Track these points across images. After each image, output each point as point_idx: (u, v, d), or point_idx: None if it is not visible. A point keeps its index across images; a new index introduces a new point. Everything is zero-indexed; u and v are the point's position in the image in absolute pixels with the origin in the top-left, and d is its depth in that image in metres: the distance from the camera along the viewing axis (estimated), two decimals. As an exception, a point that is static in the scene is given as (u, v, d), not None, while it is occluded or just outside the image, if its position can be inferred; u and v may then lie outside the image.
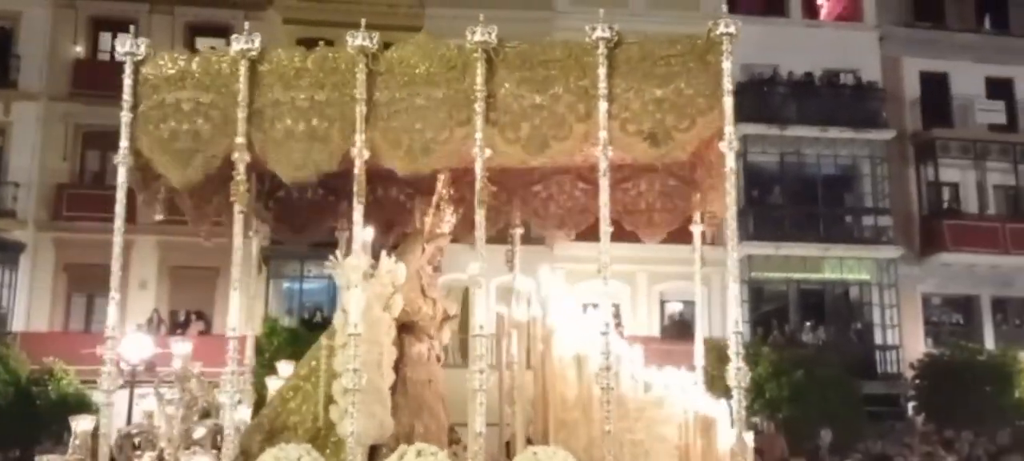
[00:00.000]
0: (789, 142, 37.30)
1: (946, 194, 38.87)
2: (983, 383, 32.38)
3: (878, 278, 37.35)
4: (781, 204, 37.29)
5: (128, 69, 9.75)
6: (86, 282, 33.87)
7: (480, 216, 9.11)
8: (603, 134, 9.03)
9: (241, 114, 9.35)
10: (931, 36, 39.49)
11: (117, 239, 9.46)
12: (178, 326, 33.05)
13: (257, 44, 9.53)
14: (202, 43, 33.41)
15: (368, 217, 9.43)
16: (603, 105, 9.07)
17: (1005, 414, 31.44)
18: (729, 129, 8.95)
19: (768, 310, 36.37)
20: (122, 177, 9.62)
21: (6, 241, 34.37)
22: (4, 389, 29.05)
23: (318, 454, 8.91)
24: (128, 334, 25.32)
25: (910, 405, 34.78)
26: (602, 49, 9.19)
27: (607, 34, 9.19)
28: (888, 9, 39.74)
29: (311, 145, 9.39)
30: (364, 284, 9.18)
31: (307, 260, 33.03)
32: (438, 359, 10.83)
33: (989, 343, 36.56)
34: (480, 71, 9.21)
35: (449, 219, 10.88)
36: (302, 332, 30.30)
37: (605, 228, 9.10)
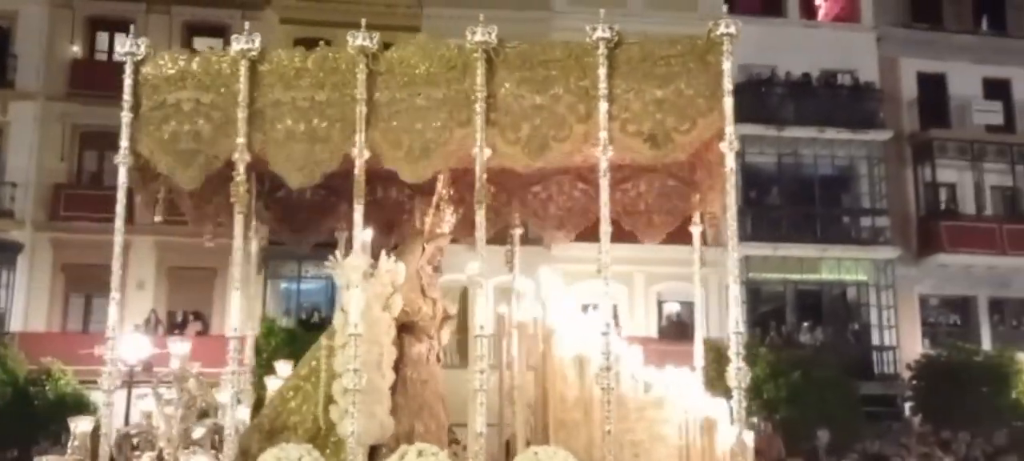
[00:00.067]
0: (786, 143, 37.31)
1: (943, 195, 38.87)
2: (980, 384, 32.41)
3: (875, 279, 37.36)
4: (778, 205, 37.30)
5: (128, 69, 9.71)
6: (84, 282, 33.87)
7: (480, 216, 9.10)
8: (603, 135, 9.02)
9: (241, 114, 9.34)
10: (929, 37, 39.52)
11: (118, 239, 9.46)
12: (176, 326, 33.03)
13: (257, 44, 9.52)
14: (199, 43, 33.39)
15: (368, 217, 9.41)
16: (603, 105, 9.06)
17: (1002, 415, 31.49)
18: (729, 129, 8.94)
19: (765, 311, 36.40)
20: (122, 177, 9.62)
21: (3, 241, 34.30)
22: (2, 389, 29.03)
23: (318, 454, 8.91)
24: (126, 334, 25.28)
25: (907, 406, 34.80)
26: (602, 49, 9.18)
27: (607, 34, 9.19)
28: (886, 10, 39.76)
29: (312, 146, 9.37)
30: (364, 284, 9.18)
31: (305, 261, 33.02)
32: (438, 359, 10.83)
33: (986, 344, 36.60)
34: (480, 71, 9.20)
35: (449, 219, 10.88)
36: (300, 332, 30.32)
37: (605, 228, 9.08)
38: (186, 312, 34.16)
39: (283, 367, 11.25)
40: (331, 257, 9.86)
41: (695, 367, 10.83)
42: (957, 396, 31.26)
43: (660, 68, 9.26)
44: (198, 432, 9.55)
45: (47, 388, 29.24)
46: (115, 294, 9.34)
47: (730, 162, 8.98)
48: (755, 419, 25.69)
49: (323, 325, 31.15)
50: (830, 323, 37.35)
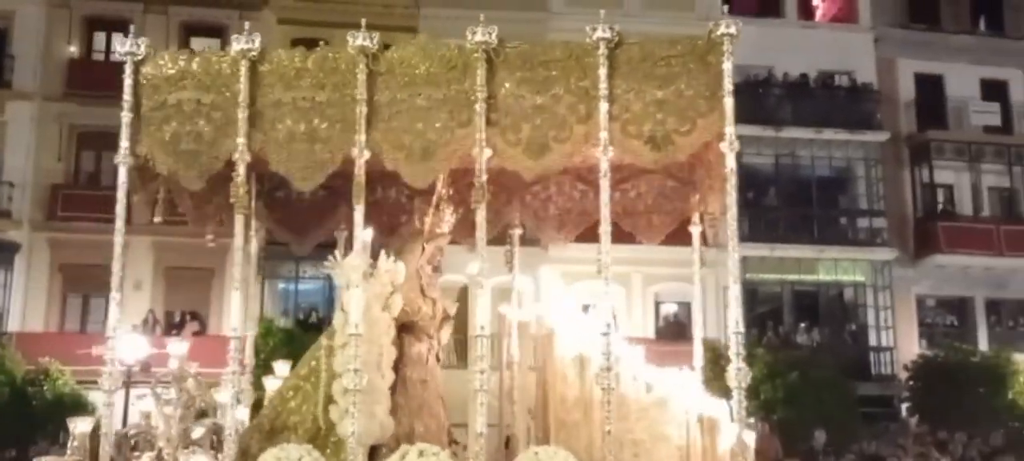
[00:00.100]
0: (784, 144, 37.30)
1: (941, 196, 38.88)
2: (977, 385, 32.43)
3: (872, 280, 37.39)
4: (776, 206, 37.28)
5: (128, 69, 9.68)
6: (81, 282, 33.89)
7: (481, 216, 9.10)
8: (604, 135, 9.02)
9: (242, 115, 9.33)
10: (926, 38, 39.54)
11: (118, 239, 9.44)
12: (173, 327, 33.01)
13: (257, 44, 9.50)
14: (197, 43, 33.23)
15: (368, 218, 9.41)
16: (604, 106, 9.06)
17: (998, 415, 31.56)
18: (730, 130, 8.94)
19: (763, 312, 36.39)
20: (122, 177, 9.60)
21: (1, 241, 34.25)
22: (0, 390, 28.99)
23: (319, 454, 8.91)
24: (123, 335, 25.24)
25: (904, 406, 34.79)
26: (602, 50, 9.18)
27: (608, 34, 9.18)
28: (883, 11, 39.77)
29: (313, 146, 9.36)
30: (363, 284, 9.18)
31: (302, 261, 32.94)
32: (438, 359, 10.83)
33: (983, 345, 36.60)
34: (481, 72, 9.20)
35: (448, 219, 10.88)
36: (297, 333, 30.34)
37: (606, 229, 9.09)
38: (183, 312, 34.12)
39: (282, 367, 11.25)
40: (331, 257, 9.87)
41: (694, 367, 10.84)
42: (954, 397, 31.29)
43: (660, 68, 9.25)
44: (198, 432, 9.55)
45: (45, 388, 29.23)
46: (115, 294, 9.33)
47: (731, 162, 8.98)
48: (752, 419, 25.66)
49: (320, 325, 31.28)
50: (827, 324, 37.37)
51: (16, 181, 34.90)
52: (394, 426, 9.62)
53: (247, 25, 9.78)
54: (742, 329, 8.80)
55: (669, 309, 36.37)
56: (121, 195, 9.58)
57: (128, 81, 9.67)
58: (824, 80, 38.84)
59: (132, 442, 9.76)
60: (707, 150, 9.69)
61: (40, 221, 34.81)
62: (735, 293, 8.90)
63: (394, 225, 11.65)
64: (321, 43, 10.12)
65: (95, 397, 26.43)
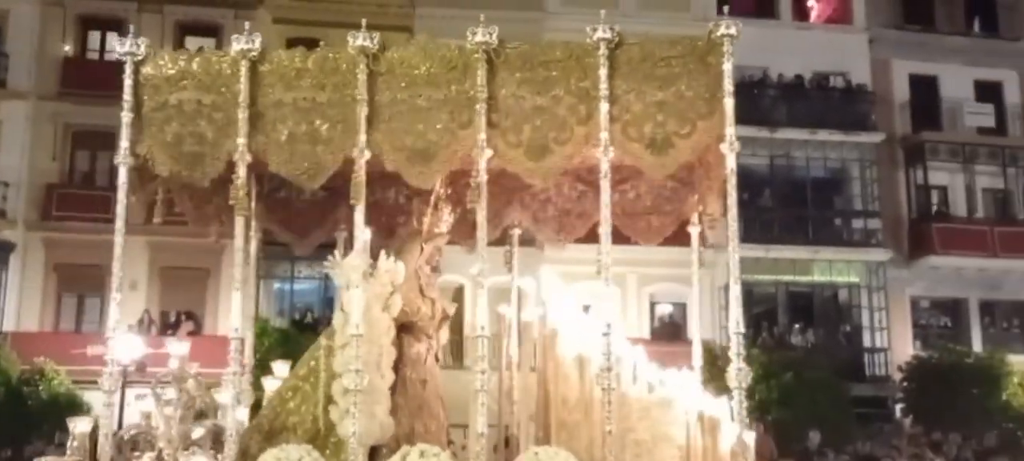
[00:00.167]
0: (779, 145, 37.34)
1: (935, 197, 38.97)
2: (971, 386, 32.49)
3: (867, 281, 37.47)
4: (770, 207, 37.32)
5: (128, 69, 9.62)
6: (76, 282, 33.94)
7: (481, 217, 9.10)
8: (604, 136, 9.02)
9: (242, 115, 9.31)
10: (920, 39, 39.62)
11: (118, 240, 9.41)
12: (168, 327, 33.00)
13: (257, 44, 9.48)
14: (192, 42, 33.28)
15: (367, 218, 9.40)
16: (604, 106, 9.06)
17: (992, 416, 31.58)
18: (730, 130, 8.96)
19: (757, 312, 36.38)
20: (122, 177, 9.55)
21: (-4, 241, 34.31)
22: (-5, 390, 29.01)
23: (319, 455, 8.90)
24: (119, 334, 25.20)
25: (898, 407, 34.86)
26: (603, 50, 9.18)
27: (608, 35, 9.19)
28: (878, 12, 39.86)
29: (314, 147, 9.34)
30: (363, 284, 9.18)
31: (298, 261, 32.97)
32: (437, 359, 10.83)
33: (977, 346, 36.70)
34: (481, 72, 9.19)
35: (447, 219, 10.87)
36: (293, 333, 30.35)
37: (606, 229, 9.09)
38: (179, 312, 34.11)
39: (281, 367, 11.23)
40: (330, 257, 9.86)
41: (693, 367, 10.83)
42: (948, 398, 31.33)
43: (660, 69, 9.24)
44: (198, 433, 9.53)
45: (40, 388, 29.20)
46: (116, 295, 9.31)
47: (731, 163, 9.01)
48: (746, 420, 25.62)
49: (316, 325, 31.33)
50: (822, 325, 37.45)
51: (11, 180, 34.89)
52: (394, 427, 9.61)
53: (247, 25, 9.75)
54: (743, 329, 8.82)
55: (664, 310, 36.42)
56: (121, 195, 9.55)
57: (128, 81, 9.60)
58: (819, 81, 38.91)
59: (132, 442, 9.73)
60: (706, 151, 9.70)
61: (35, 221, 34.78)
62: (735, 293, 8.93)
63: (393, 225, 11.62)
64: (321, 43, 10.12)
65: (90, 397, 26.48)
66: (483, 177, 9.04)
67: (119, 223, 9.48)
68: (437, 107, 9.32)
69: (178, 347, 10.00)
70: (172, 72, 9.67)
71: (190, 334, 30.15)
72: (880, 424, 32.91)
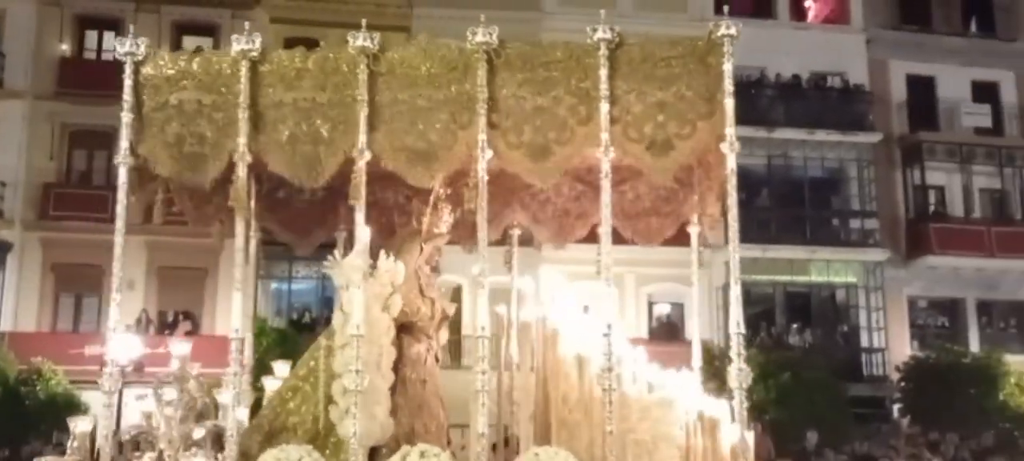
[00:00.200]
0: (776, 145, 37.34)
1: (932, 197, 39.03)
2: (968, 386, 32.51)
3: (864, 281, 37.50)
4: (768, 207, 37.31)
5: (128, 69, 9.60)
6: (73, 282, 33.92)
7: (482, 217, 9.10)
8: (605, 136, 9.02)
9: (242, 115, 9.30)
10: (918, 39, 39.65)
11: (118, 240, 9.39)
12: (166, 326, 32.99)
13: (258, 44, 9.47)
14: (189, 42, 33.36)
15: (367, 218, 9.39)
16: (604, 106, 9.06)
17: (989, 416, 31.58)
18: (730, 130, 8.98)
19: (755, 313, 36.38)
20: (123, 178, 9.54)
21: (-7, 241, 34.27)
22: (-7, 389, 28.98)
23: (319, 455, 8.90)
24: (117, 334, 25.16)
25: (896, 407, 34.87)
26: (603, 50, 9.18)
27: (608, 35, 9.19)
28: (875, 12, 39.89)
29: (315, 148, 9.34)
30: (363, 284, 9.17)
31: (295, 261, 32.98)
32: (437, 359, 10.82)
33: (974, 346, 36.72)
34: (482, 73, 9.19)
35: (446, 219, 10.86)
36: (291, 333, 30.37)
37: (606, 229, 9.10)
38: (176, 312, 34.09)
39: (281, 367, 11.23)
40: (330, 257, 9.86)
41: (693, 367, 10.83)
42: (945, 398, 31.35)
43: (661, 69, 9.25)
44: (198, 433, 9.53)
45: (38, 388, 29.16)
46: (116, 295, 9.30)
47: (731, 163, 9.02)
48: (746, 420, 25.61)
49: (314, 325, 31.30)
50: (819, 325, 37.47)
51: (8, 180, 34.85)
52: (394, 427, 9.61)
53: (247, 25, 9.74)
54: (743, 329, 8.84)
55: (662, 310, 36.45)
56: (121, 196, 9.52)
57: (128, 81, 9.58)
58: (816, 81, 38.93)
59: (134, 443, 9.72)
60: (706, 151, 9.70)
61: (32, 220, 34.73)
62: (736, 293, 8.95)
63: (393, 225, 11.61)
64: (320, 43, 10.11)
65: (88, 397, 26.46)
66: (483, 177, 9.04)
67: (119, 223, 9.46)
68: (437, 107, 9.32)
69: (180, 348, 10.00)
70: (172, 72, 9.66)
71: (188, 334, 30.14)
72: (878, 424, 32.92)
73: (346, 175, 9.25)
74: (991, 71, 40.18)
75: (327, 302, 32.90)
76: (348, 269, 9.41)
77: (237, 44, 9.48)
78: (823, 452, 26.50)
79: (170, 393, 9.56)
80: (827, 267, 37.57)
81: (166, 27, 35.87)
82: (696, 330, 11.61)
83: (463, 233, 11.18)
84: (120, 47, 9.67)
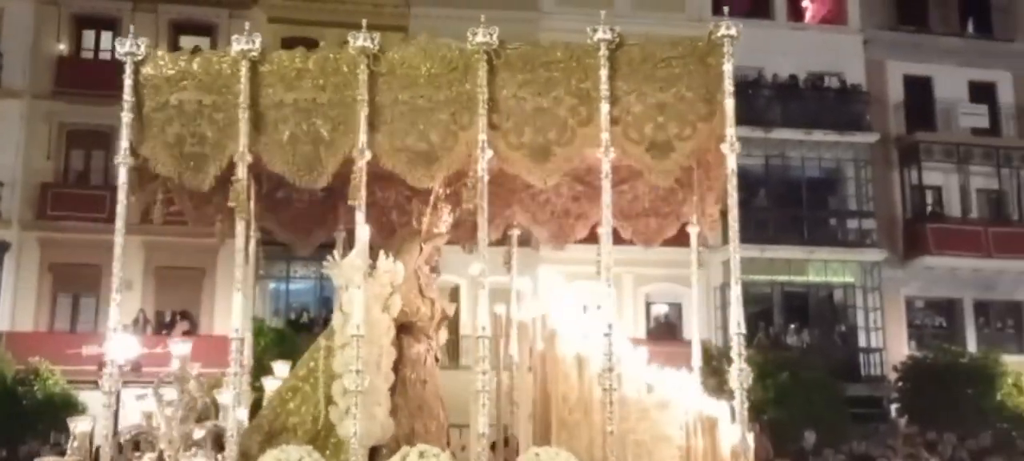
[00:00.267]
0: (774, 145, 37.31)
1: (929, 197, 39.06)
2: (965, 386, 32.53)
3: (862, 281, 37.50)
4: (765, 207, 37.27)
5: (128, 69, 9.60)
6: (71, 282, 33.87)
7: (482, 217, 9.09)
8: (605, 136, 9.03)
9: (243, 115, 9.30)
10: (915, 40, 39.67)
11: (118, 240, 9.39)
12: (164, 326, 32.96)
13: (258, 44, 9.47)
14: (186, 41, 33.28)
15: (367, 218, 9.39)
16: (605, 107, 9.07)
17: (987, 416, 31.60)
18: (730, 131, 8.99)
19: (753, 313, 36.36)
20: (123, 178, 9.51)
21: (-9, 241, 34.22)
22: (-10, 389, 28.94)
23: (319, 456, 8.90)
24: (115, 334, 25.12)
25: (893, 407, 34.87)
26: (603, 51, 9.18)
27: (608, 36, 9.19)
28: (872, 12, 39.91)
29: (316, 148, 9.34)
30: (363, 284, 9.17)
31: (293, 261, 32.98)
32: (437, 360, 10.82)
33: (971, 346, 36.75)
34: (482, 73, 9.19)
35: (446, 219, 10.86)
36: (289, 333, 30.35)
37: (607, 230, 9.11)
38: (174, 312, 34.05)
39: (280, 367, 11.22)
40: (329, 257, 9.85)
41: (693, 367, 10.81)
42: (943, 398, 31.37)
43: (661, 70, 9.27)
44: (199, 433, 9.52)
45: (35, 388, 29.11)
46: (116, 295, 9.30)
47: (732, 163, 9.02)
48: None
49: (311, 325, 31.25)
50: (817, 325, 37.49)
51: (5, 180, 34.75)
52: (394, 427, 9.61)
53: (247, 25, 9.74)
54: (743, 329, 8.85)
55: (660, 310, 36.46)
56: (121, 196, 9.51)
57: (128, 81, 9.58)
58: (813, 81, 38.92)
59: (134, 443, 9.72)
60: (705, 152, 9.71)
61: (30, 220, 34.65)
62: (736, 293, 8.96)
63: (391, 225, 11.59)
64: (320, 43, 10.12)
65: (86, 397, 26.43)
66: (484, 178, 9.03)
67: (119, 223, 9.45)
68: (438, 108, 9.33)
69: (180, 348, 9.99)
70: (172, 72, 9.66)
71: (185, 334, 30.08)
72: (875, 424, 32.94)
73: (345, 175, 9.25)
74: (988, 71, 40.22)
75: (325, 302, 32.94)
76: (348, 269, 9.42)
77: (237, 44, 9.48)
78: (822, 452, 26.50)
79: (170, 393, 9.56)
80: (825, 267, 37.59)
81: (163, 26, 35.79)
82: (696, 331, 11.59)
83: (462, 233, 11.19)
84: (120, 47, 9.66)
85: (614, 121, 9.09)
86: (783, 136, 37.38)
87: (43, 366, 29.78)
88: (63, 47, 36.59)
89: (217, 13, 35.66)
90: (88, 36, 37.21)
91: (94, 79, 33.51)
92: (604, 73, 9.11)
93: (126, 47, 9.64)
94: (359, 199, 9.08)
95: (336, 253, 9.89)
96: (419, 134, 9.30)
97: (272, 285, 35.51)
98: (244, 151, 9.22)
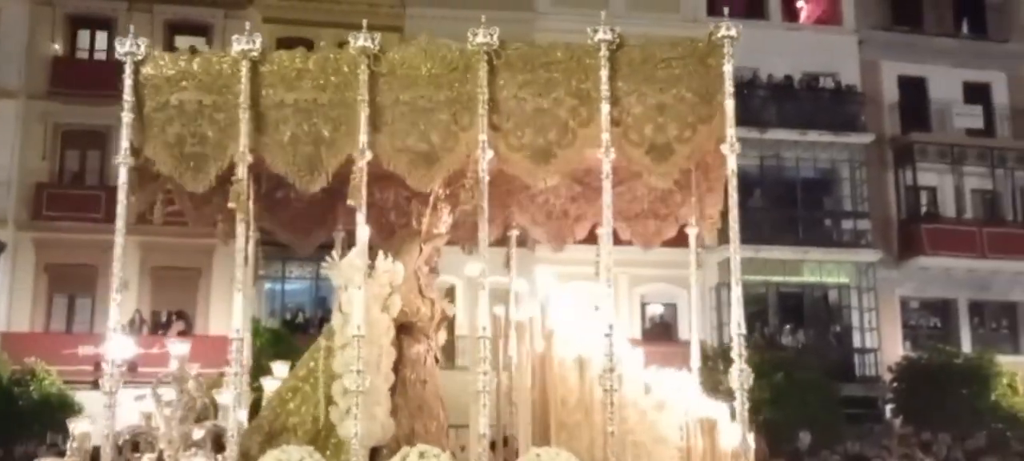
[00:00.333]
0: (769, 145, 37.25)
1: (924, 198, 39.05)
2: (960, 386, 32.49)
3: (857, 281, 37.52)
4: (761, 207, 37.21)
5: (128, 69, 9.60)
6: (67, 282, 33.78)
7: (483, 217, 9.10)
8: (606, 136, 9.04)
9: (244, 116, 9.30)
10: (909, 40, 39.67)
11: (118, 240, 9.39)
12: (159, 327, 32.92)
13: (258, 44, 9.48)
14: (181, 41, 33.28)
15: (367, 219, 9.39)
16: (605, 107, 9.08)
17: (982, 417, 31.59)
18: (731, 131, 9.01)
19: (748, 313, 36.13)
20: (123, 178, 9.52)
21: (-14, 241, 34.15)
22: (-14, 390, 28.89)
23: (320, 456, 8.90)
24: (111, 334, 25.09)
25: (888, 407, 34.89)
26: (603, 52, 9.19)
27: (609, 36, 9.21)
28: (867, 13, 39.91)
29: (317, 148, 9.35)
30: (363, 284, 9.17)
31: (289, 261, 32.95)
32: (436, 360, 10.82)
33: (966, 346, 36.75)
34: (483, 74, 9.20)
35: (446, 219, 10.87)
36: (284, 333, 30.32)
37: (607, 230, 9.12)
38: (170, 312, 33.98)
39: (279, 368, 11.23)
40: (328, 258, 9.86)
41: (690, 368, 10.82)
42: (937, 398, 31.36)
43: (661, 71, 9.29)
44: (198, 433, 9.53)
45: (31, 388, 29.06)
46: (116, 295, 9.29)
47: (732, 164, 9.04)
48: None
49: (307, 326, 31.21)
50: (812, 325, 37.49)
51: (1, 180, 34.66)
52: (394, 427, 9.62)
53: (247, 25, 9.74)
54: (744, 330, 8.88)
55: (655, 310, 36.45)
56: (121, 196, 9.51)
57: (128, 81, 9.58)
58: (808, 82, 38.90)
59: (133, 443, 9.72)
60: (704, 153, 9.72)
61: (25, 220, 34.53)
62: (737, 294, 8.99)
63: (390, 226, 11.59)
64: (320, 44, 10.12)
65: (82, 397, 26.41)
66: (485, 179, 9.04)
67: (119, 223, 9.44)
68: (438, 109, 9.34)
69: (178, 348, 9.99)
70: (172, 73, 9.66)
71: (181, 334, 30.08)
72: (870, 424, 32.97)
73: (344, 176, 9.26)
74: (983, 72, 40.24)
75: (321, 302, 32.92)
76: (347, 269, 9.43)
77: (238, 44, 9.48)
78: (817, 452, 26.53)
79: (169, 393, 9.56)
80: (819, 268, 37.61)
81: (159, 27, 35.69)
82: (694, 331, 11.59)
83: (461, 234, 11.20)
84: (120, 47, 9.67)
85: (614, 122, 9.11)
86: (778, 137, 37.32)
87: (39, 366, 29.71)
88: (58, 47, 36.51)
89: (212, 13, 35.62)
90: (83, 36, 37.09)
91: (89, 79, 33.49)
92: (604, 74, 9.14)
93: (126, 47, 9.65)
94: (359, 200, 9.09)
95: (335, 253, 9.89)
96: (420, 135, 9.31)
97: (268, 286, 35.44)
98: (245, 151, 9.22)
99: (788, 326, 36.73)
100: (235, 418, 9.08)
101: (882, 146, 38.82)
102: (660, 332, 35.17)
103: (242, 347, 9.36)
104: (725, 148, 9.01)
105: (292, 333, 30.32)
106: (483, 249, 9.14)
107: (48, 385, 29.27)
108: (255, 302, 34.01)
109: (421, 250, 10.71)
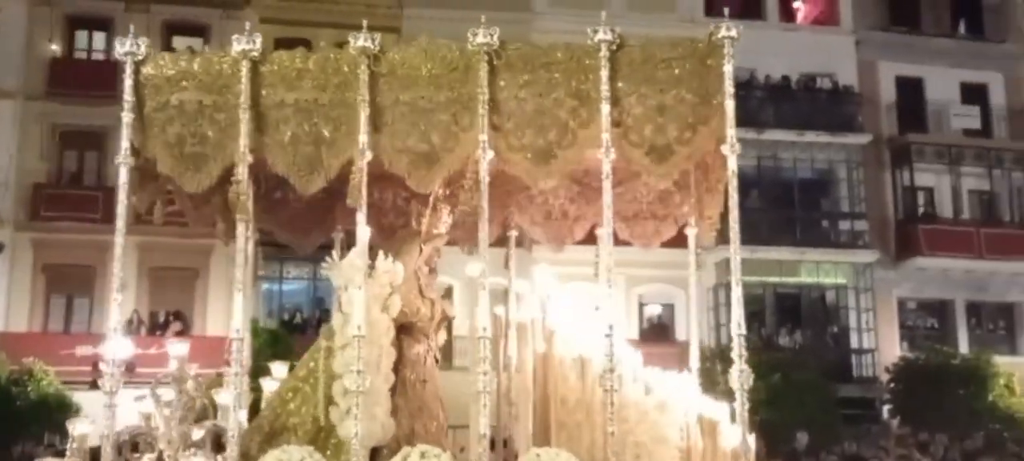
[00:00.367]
0: (766, 146, 37.21)
1: (921, 199, 39.05)
2: (957, 386, 32.47)
3: (854, 282, 37.53)
4: (758, 208, 37.17)
5: (128, 69, 9.60)
6: (65, 283, 33.75)
7: (483, 218, 9.11)
8: (606, 137, 9.04)
9: (244, 116, 9.31)
10: (907, 41, 39.69)
11: (119, 240, 9.39)
12: (157, 327, 32.89)
13: (258, 45, 9.48)
14: (179, 42, 33.28)
15: (367, 220, 9.39)
16: (605, 108, 9.09)
17: (979, 417, 31.57)
18: (731, 132, 9.02)
19: (745, 313, 36.24)
20: (123, 178, 9.52)
21: (-16, 241, 34.14)
22: (-16, 390, 28.85)
23: (320, 456, 8.91)
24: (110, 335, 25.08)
25: (885, 408, 34.88)
26: (604, 52, 9.20)
27: (609, 36, 9.21)
28: (864, 13, 39.92)
29: (317, 149, 9.36)
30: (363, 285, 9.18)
31: (286, 262, 32.95)
32: (436, 360, 10.83)
33: (963, 347, 36.73)
34: (483, 74, 9.20)
35: (445, 220, 10.88)
36: (282, 333, 30.31)
37: (607, 231, 9.13)
38: (167, 312, 33.94)
39: (278, 368, 11.23)
40: (328, 258, 9.87)
41: (690, 368, 10.83)
42: (935, 399, 31.36)
43: (661, 71, 9.30)
44: (197, 433, 9.53)
45: (29, 388, 29.01)
46: (116, 295, 9.30)
47: (732, 164, 9.05)
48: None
49: (305, 326, 31.18)
50: (809, 326, 37.49)
51: (-2, 180, 34.73)
52: (394, 428, 9.62)
53: (247, 25, 9.75)
54: (744, 330, 8.89)
55: (653, 310, 36.45)
56: (121, 196, 9.51)
57: (128, 81, 9.59)
58: (806, 82, 38.90)
59: (133, 443, 9.72)
60: (704, 154, 9.73)
61: (23, 221, 34.48)
62: (737, 295, 8.99)
63: (390, 226, 11.59)
64: (320, 44, 10.13)
65: (80, 397, 26.40)
66: (485, 179, 9.05)
67: (119, 223, 9.44)
68: (439, 109, 9.35)
69: (178, 348, 9.99)
70: (172, 73, 9.67)
71: (178, 334, 30.05)
72: (868, 425, 32.92)
73: (344, 176, 9.26)
74: (980, 73, 40.26)
75: (318, 302, 32.95)
76: (348, 270, 9.44)
77: (237, 44, 9.49)
78: (816, 453, 26.53)
79: (168, 393, 9.56)
80: (817, 268, 37.62)
81: (156, 27, 35.55)
82: (694, 332, 11.63)
83: (461, 234, 11.20)
84: (120, 47, 9.68)
85: (615, 123, 9.12)
86: (775, 137, 37.31)
87: (37, 367, 29.63)
88: (56, 48, 36.48)
89: (210, 14, 35.60)
90: (81, 37, 37.11)
91: (87, 80, 33.52)
92: (605, 74, 9.14)
93: (126, 47, 9.65)
94: (359, 200, 9.09)
95: (334, 254, 9.90)
96: (420, 135, 9.32)
97: (265, 286, 35.44)
98: (245, 151, 9.23)
99: (785, 327, 36.77)
100: (235, 418, 9.07)
101: (879, 147, 38.84)
102: (657, 333, 35.18)
103: (242, 347, 9.35)
104: (725, 149, 9.02)
105: (290, 334, 30.33)
106: (483, 250, 9.15)
107: (46, 385, 29.20)
108: (253, 302, 34.20)
109: (421, 250, 10.71)
